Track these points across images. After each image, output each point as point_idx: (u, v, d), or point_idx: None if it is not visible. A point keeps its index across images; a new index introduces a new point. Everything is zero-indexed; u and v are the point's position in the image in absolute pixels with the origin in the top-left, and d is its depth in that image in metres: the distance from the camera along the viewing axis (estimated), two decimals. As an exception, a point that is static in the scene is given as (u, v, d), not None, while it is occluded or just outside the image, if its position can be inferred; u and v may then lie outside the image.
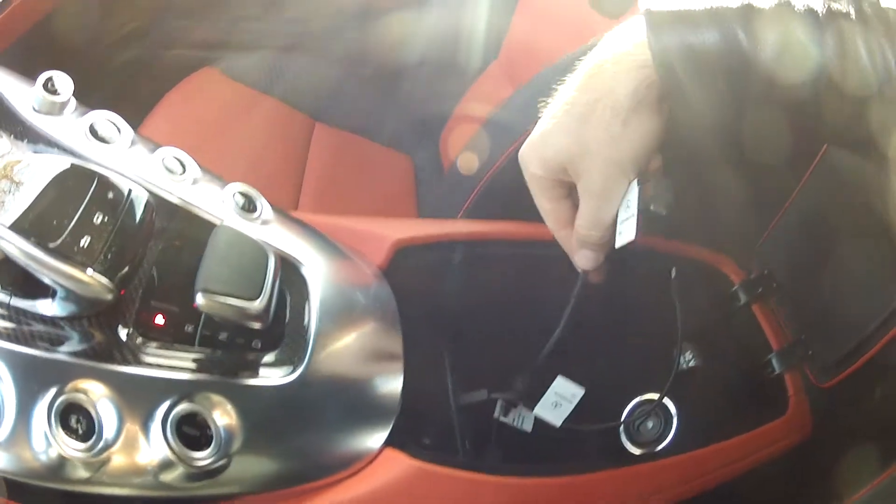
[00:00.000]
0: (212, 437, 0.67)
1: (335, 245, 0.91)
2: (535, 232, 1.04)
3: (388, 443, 0.82)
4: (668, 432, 1.01)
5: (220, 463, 0.68)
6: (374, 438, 0.80)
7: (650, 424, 1.03)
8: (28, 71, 0.88)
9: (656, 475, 0.98)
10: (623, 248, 0.88)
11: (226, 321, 0.71)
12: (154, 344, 0.71)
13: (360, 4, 2.27)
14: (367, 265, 0.94)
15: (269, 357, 0.76)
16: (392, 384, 0.85)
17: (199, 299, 0.67)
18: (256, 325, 0.71)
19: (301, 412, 0.76)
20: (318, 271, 0.83)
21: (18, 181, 0.67)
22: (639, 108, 0.78)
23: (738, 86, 0.77)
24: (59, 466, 0.63)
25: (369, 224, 1.04)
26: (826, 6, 0.73)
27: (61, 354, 0.66)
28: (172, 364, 0.70)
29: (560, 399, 0.97)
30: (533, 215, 0.93)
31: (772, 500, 1.13)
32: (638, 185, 0.82)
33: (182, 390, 0.68)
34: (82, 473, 0.64)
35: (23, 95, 0.81)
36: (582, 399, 0.98)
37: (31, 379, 0.64)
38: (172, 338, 0.73)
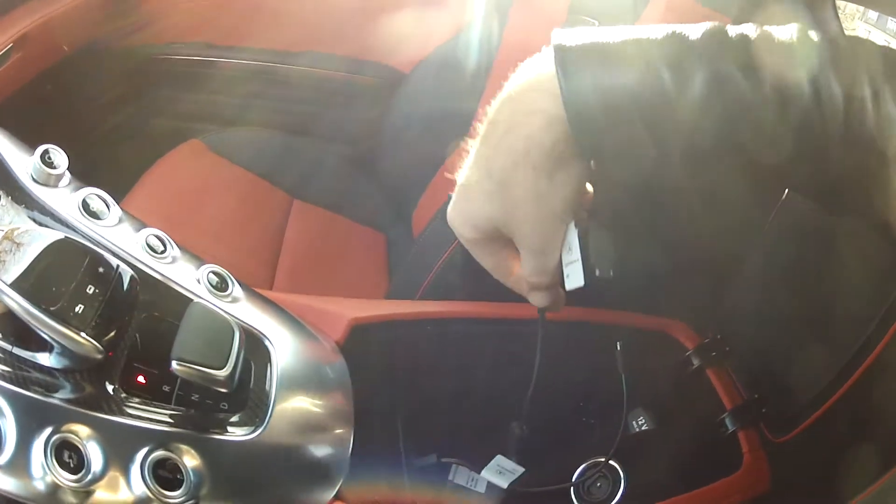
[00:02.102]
0: (183, 480, 0.79)
1: (297, 321, 1.02)
2: (482, 311, 1.15)
3: (338, 498, 0.92)
4: (616, 493, 1.08)
5: (190, 503, 0.80)
6: (324, 495, 0.91)
7: (599, 485, 1.09)
8: (20, 130, 1.00)
9: None
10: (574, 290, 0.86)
11: (197, 384, 0.82)
12: (136, 399, 0.82)
13: (340, 83, 2.39)
14: (326, 340, 1.05)
15: (234, 417, 0.87)
16: (343, 448, 0.95)
17: (174, 366, 0.78)
18: (223, 390, 0.82)
19: (259, 466, 0.86)
20: (281, 345, 0.95)
21: (19, 243, 0.78)
22: (560, 162, 0.75)
23: (661, 134, 0.72)
24: (53, 493, 0.75)
25: (329, 303, 1.14)
26: (759, 32, 0.72)
27: (56, 399, 0.77)
28: (151, 417, 0.81)
29: (503, 470, 1.03)
30: (492, 285, 0.91)
31: None
32: (576, 227, 0.80)
33: (159, 439, 0.79)
34: (72, 500, 0.76)
35: (22, 162, 0.93)
36: (536, 461, 1.05)
37: (31, 417, 0.76)
38: (152, 395, 0.84)
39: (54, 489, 0.75)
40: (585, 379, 1.18)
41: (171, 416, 0.83)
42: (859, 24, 1.72)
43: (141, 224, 0.98)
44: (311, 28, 2.42)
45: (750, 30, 0.72)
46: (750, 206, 1.13)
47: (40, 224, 0.90)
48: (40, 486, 0.75)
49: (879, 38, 1.60)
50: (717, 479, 1.11)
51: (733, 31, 0.72)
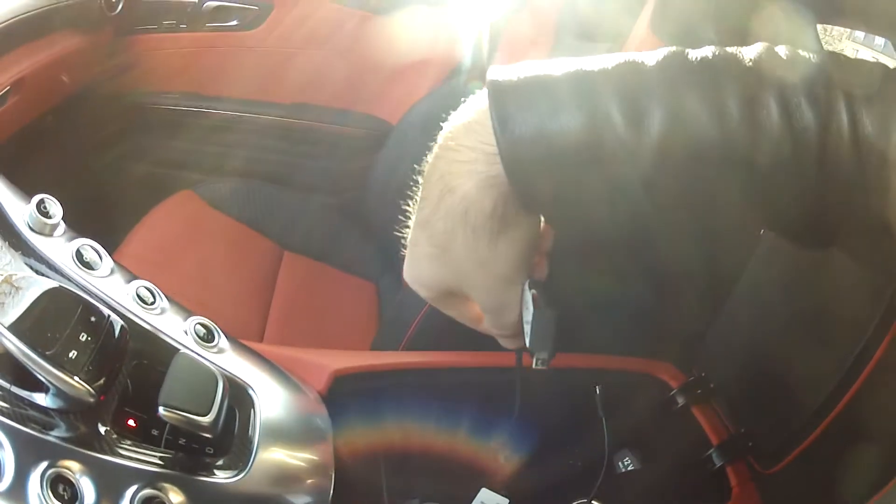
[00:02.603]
0: None
1: (281, 372, 1.07)
2: (463, 360, 1.20)
3: None
4: None
5: None
6: None
7: None
8: (14, 174, 1.04)
9: None
10: None
11: (184, 429, 0.87)
12: (127, 441, 0.87)
13: (327, 133, 2.45)
14: (309, 390, 1.09)
15: (219, 461, 0.91)
16: (323, 496, 0.98)
17: (161, 411, 0.83)
18: (207, 435, 0.87)
19: None
20: (264, 394, 1.00)
21: (18, 287, 0.83)
22: (503, 222, 0.69)
23: (615, 184, 0.65)
24: None
25: (312, 354, 1.19)
26: (722, 54, 0.65)
27: (52, 437, 0.81)
28: (141, 458, 0.85)
29: None
30: (473, 333, 0.87)
31: None
32: (530, 289, 0.75)
33: (147, 478, 0.83)
34: None
35: (18, 210, 0.97)
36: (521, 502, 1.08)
37: (28, 450, 0.79)
38: (142, 437, 0.88)
39: None
40: (569, 422, 1.20)
41: (159, 457, 0.87)
42: (847, 43, 1.75)
43: (132, 276, 1.02)
44: (298, 79, 2.48)
45: (711, 53, 0.65)
46: (726, 245, 1.16)
47: (36, 271, 0.93)
48: None
49: (866, 56, 1.63)
50: None
51: (694, 55, 0.65)
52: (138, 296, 0.99)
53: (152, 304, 1.00)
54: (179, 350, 0.94)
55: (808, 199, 0.64)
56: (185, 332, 1.00)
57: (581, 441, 1.20)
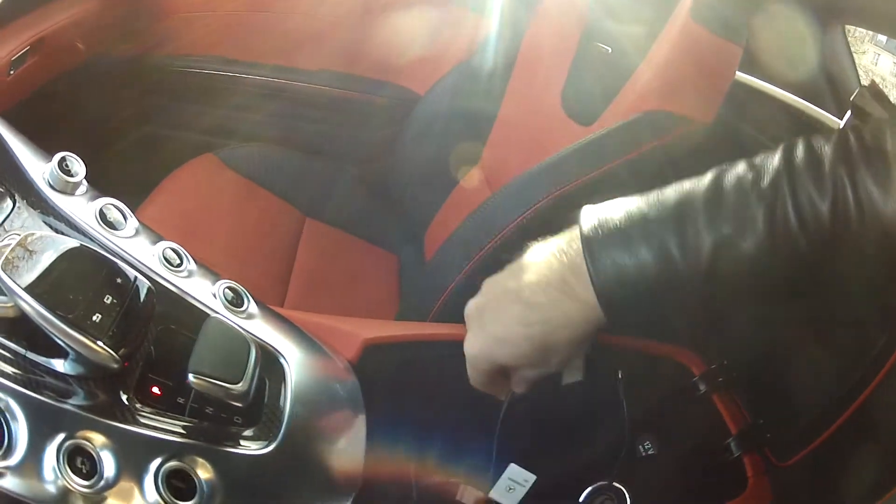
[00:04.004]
0: (196, 491, 0.79)
1: (312, 340, 1.03)
2: None
3: None
4: None
5: None
6: None
7: None
8: (34, 134, 1.01)
9: None
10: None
11: (212, 398, 0.83)
12: (149, 409, 0.83)
13: (355, 102, 2.40)
14: (339, 359, 1.05)
15: (248, 431, 0.87)
16: (354, 466, 0.96)
17: (191, 379, 0.79)
18: (238, 404, 0.83)
19: (271, 480, 0.87)
20: (295, 362, 0.96)
21: (32, 250, 0.78)
22: (583, 342, 0.90)
23: (682, 306, 0.87)
24: (64, 497, 0.76)
25: (343, 322, 1.15)
26: (749, 171, 0.81)
27: (70, 405, 0.78)
28: (165, 427, 0.82)
29: (513, 484, 1.04)
30: None
31: None
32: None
33: (173, 449, 0.80)
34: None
35: (38, 168, 0.94)
36: (544, 484, 1.05)
37: (44, 421, 0.76)
38: (166, 406, 0.84)
39: (65, 493, 0.76)
40: (591, 401, 1.16)
41: (184, 427, 0.83)
42: (869, 46, 1.73)
43: (157, 237, 0.99)
44: (327, 47, 2.43)
45: (745, 171, 0.82)
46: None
47: (55, 230, 0.90)
48: (51, 489, 0.75)
49: (888, 61, 1.60)
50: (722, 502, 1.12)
51: (730, 179, 0.82)
52: (165, 257, 0.96)
53: (179, 266, 0.96)
54: (209, 315, 0.90)
55: (848, 276, 0.82)
56: (214, 296, 0.96)
57: (603, 422, 1.17)
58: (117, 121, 2.31)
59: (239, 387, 0.81)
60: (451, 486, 1.06)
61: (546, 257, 0.90)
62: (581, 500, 1.09)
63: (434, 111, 2.29)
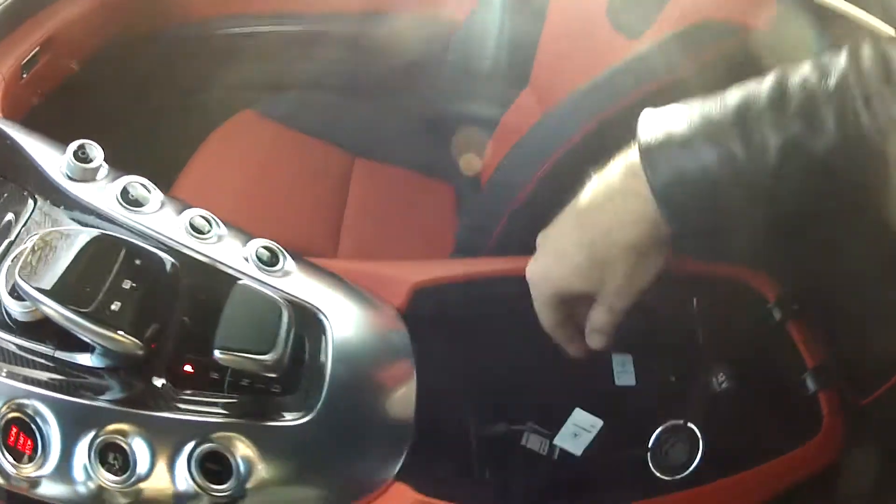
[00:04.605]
0: (232, 472, 0.77)
1: (354, 290, 0.99)
2: None
3: (399, 477, 0.89)
4: (695, 457, 1.02)
5: (238, 496, 0.78)
6: (385, 473, 0.88)
7: (679, 450, 1.04)
8: (58, 133, 0.99)
9: (687, 502, 1.01)
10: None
11: (246, 371, 0.80)
12: (185, 390, 0.81)
13: (386, 37, 2.32)
14: (386, 308, 1.01)
15: (288, 399, 0.84)
16: (404, 421, 0.92)
17: (218, 355, 0.76)
18: (272, 374, 0.80)
19: (315, 450, 0.84)
20: (336, 316, 0.92)
21: (50, 250, 0.77)
22: (643, 255, 0.87)
23: (746, 210, 0.82)
24: (98, 495, 0.74)
25: (389, 267, 1.10)
26: (817, 71, 0.78)
27: (101, 402, 0.76)
28: (200, 409, 0.80)
29: (579, 430, 1.01)
30: None
31: None
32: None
33: (207, 431, 0.77)
34: (120, 501, 0.75)
35: (55, 162, 0.92)
36: (609, 426, 1.01)
37: (73, 423, 0.75)
38: (201, 384, 0.82)
39: (99, 493, 0.75)
40: (662, 333, 1.12)
41: (221, 405, 0.81)
42: None
43: (184, 206, 0.95)
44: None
45: (810, 72, 0.78)
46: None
47: (82, 223, 0.88)
48: (83, 490, 0.74)
49: None
50: (795, 446, 1.06)
51: (795, 79, 0.78)
52: (192, 226, 0.92)
53: (208, 232, 0.93)
54: (238, 281, 0.86)
55: None
56: (246, 259, 0.93)
57: (675, 355, 1.11)
58: (146, 99, 2.28)
59: (270, 356, 0.78)
60: (513, 433, 1.02)
61: (605, 173, 0.90)
62: (650, 444, 1.04)
63: (478, 32, 2.18)
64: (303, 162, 2.07)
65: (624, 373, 1.07)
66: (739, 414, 1.07)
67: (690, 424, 1.03)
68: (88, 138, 0.94)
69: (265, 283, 0.89)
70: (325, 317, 0.91)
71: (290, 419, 0.83)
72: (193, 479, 0.76)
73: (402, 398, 0.94)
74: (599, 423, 1.01)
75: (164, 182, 1.68)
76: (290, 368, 0.83)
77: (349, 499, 0.86)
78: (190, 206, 0.95)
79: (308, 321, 0.90)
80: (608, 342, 0.98)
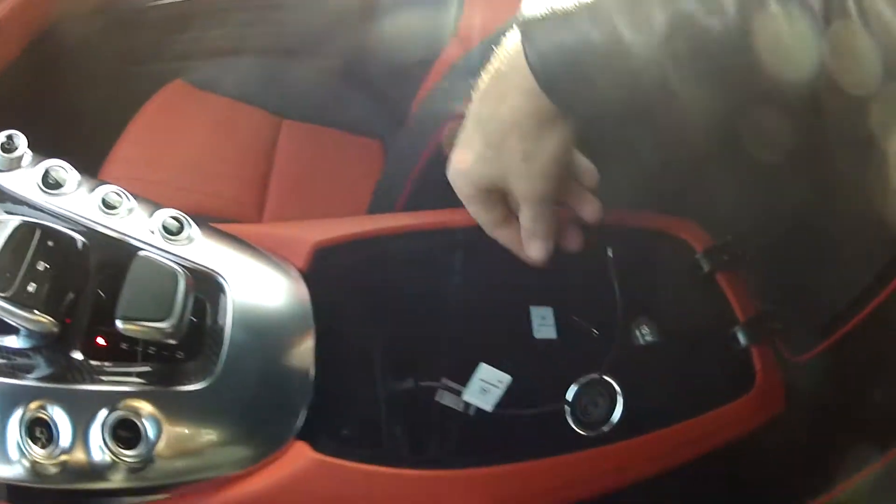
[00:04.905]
0: (141, 438, 0.82)
1: (257, 253, 1.02)
2: (460, 219, 1.08)
3: (301, 436, 0.91)
4: (613, 412, 1.01)
5: (148, 460, 0.82)
6: (285, 433, 0.91)
7: (597, 404, 1.02)
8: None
9: (610, 457, 1.00)
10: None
11: (150, 340, 0.85)
12: (101, 362, 0.86)
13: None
14: (287, 269, 1.03)
15: (191, 365, 0.89)
16: (303, 381, 0.94)
17: (120, 325, 0.81)
18: (172, 341, 0.84)
19: (215, 414, 0.88)
20: (235, 281, 0.95)
21: None
22: (543, 127, 0.88)
23: (625, 86, 0.83)
24: (33, 470, 0.79)
25: (292, 228, 1.11)
26: None
27: (28, 380, 0.82)
28: (113, 378, 0.85)
29: (487, 385, 0.99)
30: None
31: (745, 481, 1.14)
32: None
33: (116, 399, 0.82)
34: (50, 472, 0.80)
35: None
36: (528, 381, 1.01)
37: (4, 402, 0.80)
38: (114, 355, 0.87)
39: (33, 466, 0.80)
40: (582, 285, 1.12)
41: (133, 374, 0.86)
42: None
43: (98, 183, 0.99)
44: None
45: None
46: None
47: (11, 212, 0.91)
48: (20, 466, 0.80)
49: None
50: (726, 402, 1.06)
51: None
52: (104, 202, 0.96)
53: (119, 207, 0.96)
54: (138, 252, 0.90)
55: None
56: (153, 231, 0.96)
57: (598, 308, 1.09)
58: (75, 78, 2.29)
59: (167, 323, 0.82)
60: (425, 389, 1.02)
61: (495, 57, 0.91)
62: (570, 399, 1.03)
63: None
64: (231, 128, 2.10)
65: (544, 326, 1.07)
66: (664, 368, 1.07)
67: (607, 378, 1.03)
68: (14, 125, 0.97)
69: (168, 253, 0.93)
70: (225, 281, 0.94)
71: (192, 384, 0.87)
72: (107, 446, 0.80)
73: (301, 358, 0.96)
74: (507, 378, 1.00)
75: (99, 159, 1.73)
76: (192, 334, 0.87)
77: (250, 461, 0.89)
78: (104, 183, 0.98)
79: (209, 287, 0.94)
80: (545, 248, 1.00)
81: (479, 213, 1.01)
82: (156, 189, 1.76)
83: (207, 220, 1.01)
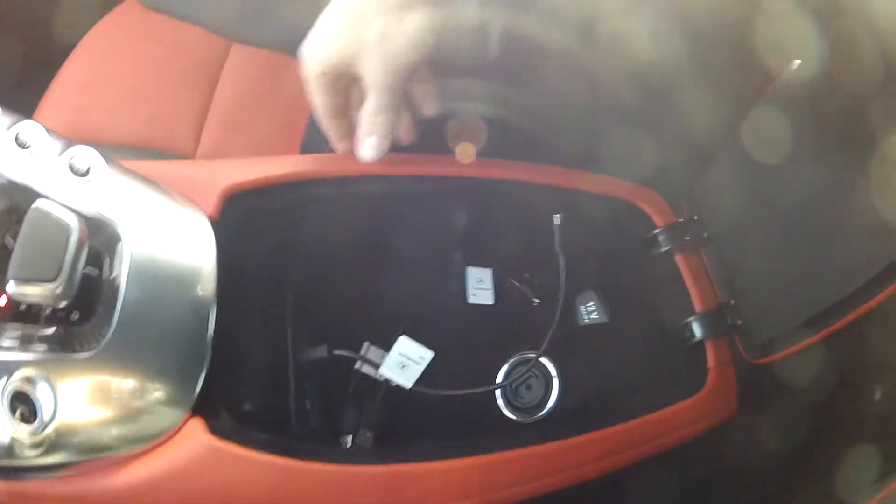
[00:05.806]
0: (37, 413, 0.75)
1: (165, 198, 0.93)
2: (393, 168, 1.03)
3: (197, 411, 0.84)
4: (549, 398, 0.98)
5: (45, 435, 0.76)
6: (179, 408, 0.84)
7: (531, 388, 0.99)
8: None
9: (540, 456, 0.94)
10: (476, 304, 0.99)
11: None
12: (12, 325, 0.81)
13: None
14: (195, 217, 0.94)
15: (86, 327, 0.82)
16: (200, 348, 0.87)
17: (10, 287, 0.75)
18: (62, 304, 0.79)
19: (105, 384, 0.80)
20: (135, 231, 0.87)
21: None
22: (406, 7, 0.87)
23: None
24: None
25: (205, 170, 1.03)
26: None
27: None
28: (15, 344, 0.79)
29: (406, 360, 0.96)
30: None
31: (693, 487, 1.09)
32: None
33: (10, 370, 0.76)
34: None
35: None
36: (454, 352, 0.97)
37: None
38: (16, 317, 0.81)
39: None
40: (527, 250, 1.07)
41: (36, 338, 0.81)
42: None
43: (13, 120, 0.90)
44: None
45: None
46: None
47: None
48: None
49: None
50: (673, 401, 1.02)
51: None
52: (17, 141, 0.88)
53: (30, 147, 0.88)
54: (34, 204, 0.82)
55: None
56: (58, 172, 0.88)
57: (541, 275, 1.06)
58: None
59: (54, 286, 0.76)
60: (340, 359, 0.98)
61: None
62: (500, 378, 1.00)
63: None
64: (178, 53, 2.02)
65: (481, 289, 1.02)
66: (607, 354, 1.03)
67: (543, 360, 0.99)
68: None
69: (68, 200, 0.85)
70: (124, 231, 0.87)
71: (86, 351, 0.80)
72: (8, 420, 0.75)
73: (199, 321, 0.89)
74: (430, 354, 0.96)
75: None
76: (89, 293, 0.82)
77: (145, 439, 0.83)
78: (20, 120, 0.90)
79: (109, 239, 0.87)
80: (379, 147, 0.98)
81: (319, 96, 0.98)
82: (94, 117, 1.74)
83: (136, 154, 0.96)
